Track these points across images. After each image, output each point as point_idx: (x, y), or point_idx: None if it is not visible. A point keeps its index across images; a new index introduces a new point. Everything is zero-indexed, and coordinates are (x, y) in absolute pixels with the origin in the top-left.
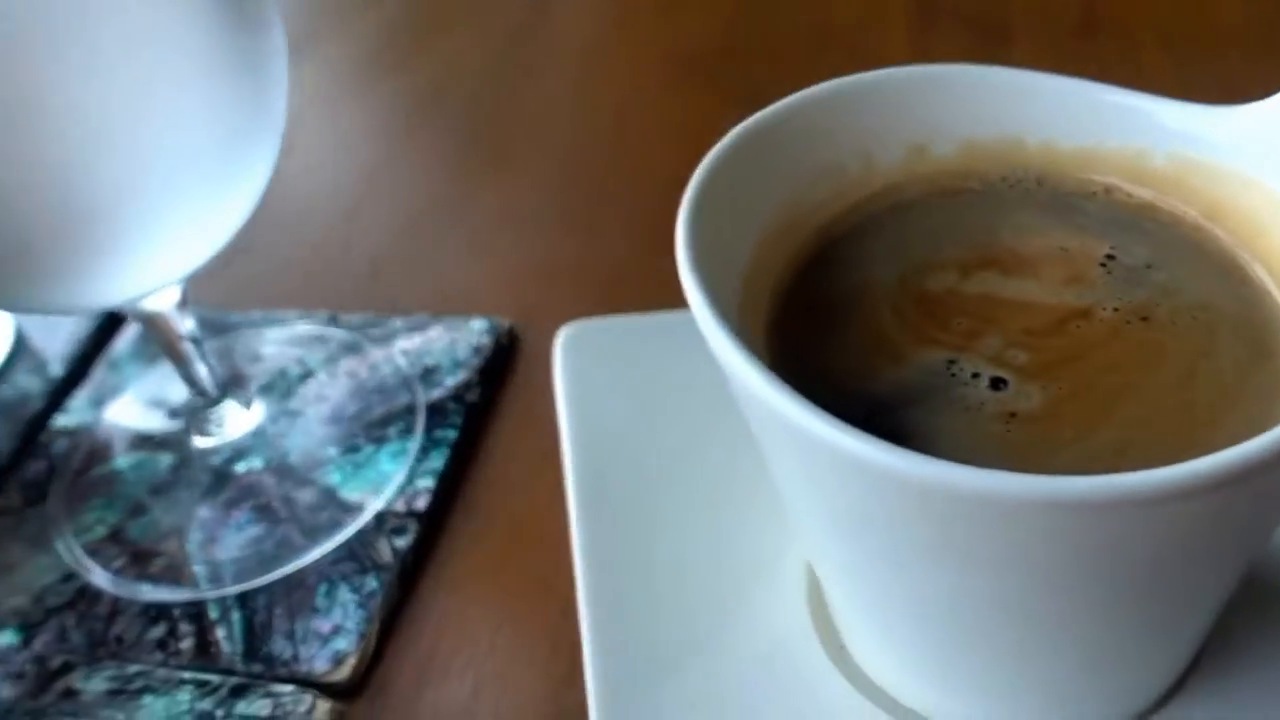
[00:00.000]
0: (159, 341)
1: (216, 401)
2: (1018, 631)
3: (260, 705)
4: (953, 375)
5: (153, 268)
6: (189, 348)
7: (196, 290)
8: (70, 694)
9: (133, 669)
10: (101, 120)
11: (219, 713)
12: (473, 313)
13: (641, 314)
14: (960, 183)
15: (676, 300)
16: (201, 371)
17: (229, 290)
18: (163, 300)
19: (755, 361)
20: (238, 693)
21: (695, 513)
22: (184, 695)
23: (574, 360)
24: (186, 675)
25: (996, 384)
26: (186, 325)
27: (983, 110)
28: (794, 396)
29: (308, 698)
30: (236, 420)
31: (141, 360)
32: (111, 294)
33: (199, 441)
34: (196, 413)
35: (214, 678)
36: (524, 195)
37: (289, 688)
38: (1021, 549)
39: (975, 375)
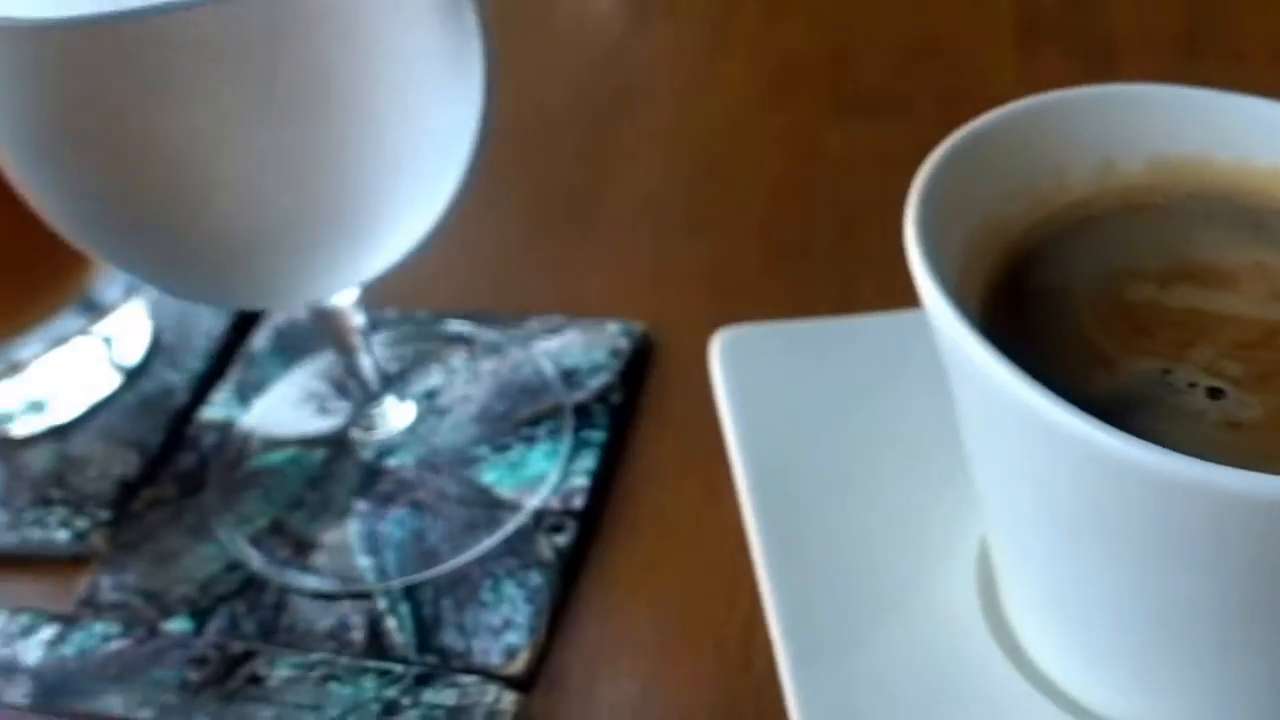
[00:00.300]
0: (331, 336)
1: (378, 397)
2: (1229, 634)
3: (446, 694)
4: (1168, 384)
5: (363, 264)
6: (360, 342)
7: None
8: (256, 680)
9: (314, 657)
10: (360, 119)
11: (405, 701)
12: (597, 316)
13: (796, 320)
14: (1147, 198)
15: (795, 302)
16: (368, 366)
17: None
18: (345, 296)
19: (1000, 356)
20: (422, 681)
21: (867, 509)
22: (369, 683)
23: (733, 364)
24: (369, 664)
25: (1214, 394)
26: (359, 320)
27: (1171, 128)
28: (1043, 391)
29: (493, 688)
30: (395, 416)
31: (280, 357)
32: (322, 289)
33: (357, 436)
34: (359, 407)
35: (397, 667)
36: (639, 201)
37: (472, 678)
38: (1261, 550)
39: (1191, 385)
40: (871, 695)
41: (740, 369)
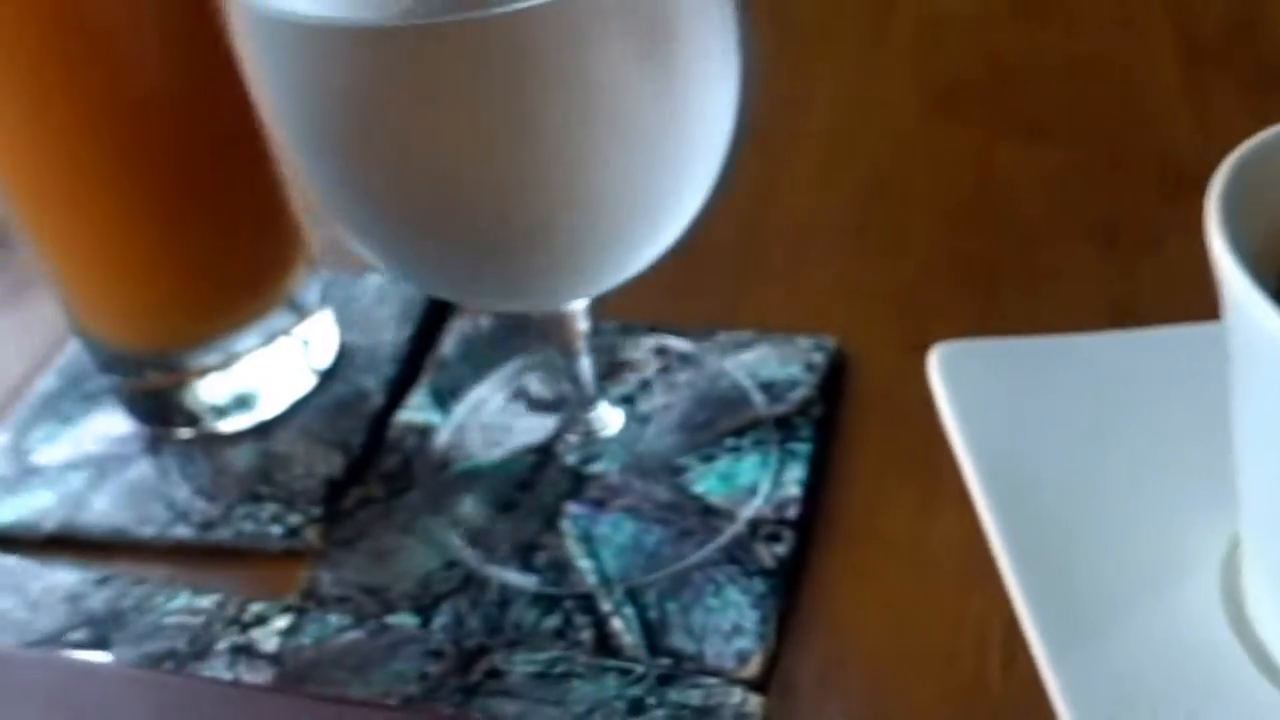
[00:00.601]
0: (557, 339)
1: (594, 401)
2: None
3: (691, 695)
4: None
5: (629, 264)
6: (583, 346)
7: None
8: (496, 674)
9: (550, 654)
10: (649, 119)
11: (650, 699)
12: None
13: (1008, 337)
14: None
15: (978, 318)
16: (586, 370)
17: None
18: (579, 302)
19: None
20: (665, 681)
21: (1105, 515)
22: (611, 681)
23: (952, 378)
24: (608, 662)
25: None
26: (584, 325)
27: None
28: None
29: (738, 691)
30: (607, 421)
31: (468, 363)
32: (589, 289)
33: (568, 439)
34: (574, 411)
35: (637, 666)
36: (806, 219)
37: (714, 679)
38: None
39: None
40: (1132, 691)
41: (960, 382)
